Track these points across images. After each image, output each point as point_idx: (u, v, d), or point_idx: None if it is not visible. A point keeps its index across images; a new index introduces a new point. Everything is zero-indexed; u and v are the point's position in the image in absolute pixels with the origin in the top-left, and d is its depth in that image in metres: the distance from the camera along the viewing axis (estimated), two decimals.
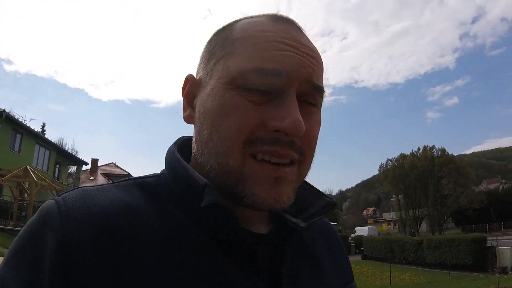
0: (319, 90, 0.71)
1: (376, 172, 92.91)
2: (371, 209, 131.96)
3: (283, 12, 0.86)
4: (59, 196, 0.66)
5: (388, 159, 73.90)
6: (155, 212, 0.68)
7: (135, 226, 0.64)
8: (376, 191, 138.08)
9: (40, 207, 0.65)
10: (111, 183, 0.73)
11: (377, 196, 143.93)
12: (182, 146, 0.82)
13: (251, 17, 0.76)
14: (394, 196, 75.77)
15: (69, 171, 43.44)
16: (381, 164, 77.12)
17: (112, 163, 53.60)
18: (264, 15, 0.75)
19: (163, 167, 0.79)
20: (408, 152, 72.21)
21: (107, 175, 46.95)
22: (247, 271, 0.68)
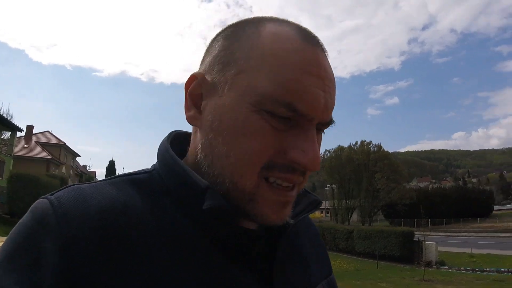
0: (331, 123, 0.73)
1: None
2: None
3: None
4: (52, 195, 0.65)
5: (326, 150, 75.22)
6: (151, 209, 0.68)
7: (132, 225, 0.64)
8: (312, 179, 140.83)
9: (32, 207, 0.64)
10: (103, 180, 0.72)
11: (312, 184, 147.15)
12: (172, 140, 0.80)
13: (278, 22, 0.72)
14: (328, 185, 77.99)
15: (2, 137, 40.71)
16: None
17: (47, 131, 52.01)
18: (291, 25, 0.71)
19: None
20: (346, 145, 74.26)
21: (41, 144, 45.70)
22: (241, 267, 0.69)
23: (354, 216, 72.93)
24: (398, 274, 20.09)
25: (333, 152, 73.99)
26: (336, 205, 70.93)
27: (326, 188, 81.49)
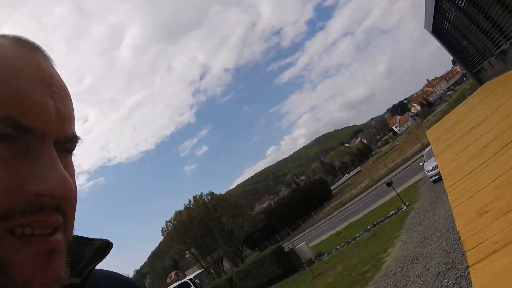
0: (75, 139, 0.59)
1: (161, 238, 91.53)
2: (173, 273, 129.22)
3: None
4: None
5: (166, 222, 73.29)
6: None
7: None
8: (169, 255, 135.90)
9: None
10: None
11: (172, 259, 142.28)
12: None
13: None
14: (187, 252, 75.86)
15: None
16: (162, 228, 75.93)
17: None
18: (5, 35, 0.57)
19: None
20: (181, 208, 73.05)
21: None
22: None
23: (226, 264, 72.13)
24: (293, 286, 19.71)
25: (174, 220, 72.28)
26: (203, 264, 69.28)
27: (186, 256, 79.38)
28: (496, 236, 2.01)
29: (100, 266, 0.70)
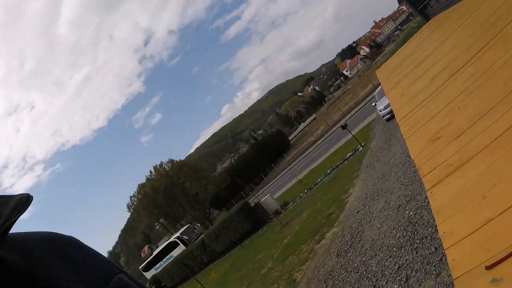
0: None
1: (128, 214, 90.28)
2: (146, 247, 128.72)
3: None
4: None
5: (130, 197, 72.27)
6: None
7: None
8: (140, 230, 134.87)
9: None
10: None
11: (143, 234, 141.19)
12: None
13: None
14: (156, 223, 75.48)
15: None
16: (128, 204, 75.02)
17: None
18: None
19: None
20: (143, 180, 72.07)
21: None
22: None
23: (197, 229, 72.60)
24: (263, 240, 20.03)
25: (138, 194, 71.30)
26: (174, 233, 69.42)
27: (157, 228, 78.87)
28: (450, 159, 2.06)
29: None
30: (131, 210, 75.27)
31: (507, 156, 1.65)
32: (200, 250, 28.28)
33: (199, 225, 45.15)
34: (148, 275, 37.82)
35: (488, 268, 1.18)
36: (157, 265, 38.00)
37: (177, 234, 38.29)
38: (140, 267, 41.06)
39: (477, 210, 1.49)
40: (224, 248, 26.60)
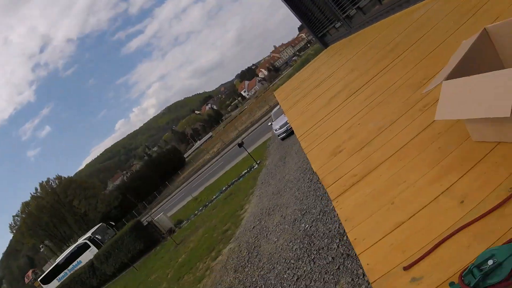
0: None
1: (11, 235, 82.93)
2: (30, 271, 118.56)
3: None
4: None
5: (13, 216, 66.83)
6: None
7: None
8: (23, 253, 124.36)
9: None
10: None
11: (27, 257, 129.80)
12: None
13: None
14: (41, 246, 70.35)
15: None
16: (10, 224, 69.06)
17: None
18: None
19: None
20: (28, 198, 66.95)
21: None
22: None
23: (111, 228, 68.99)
24: (156, 260, 19.45)
25: (21, 213, 66.03)
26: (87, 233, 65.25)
27: (41, 250, 73.33)
28: (354, 169, 2.07)
29: None
30: (14, 231, 69.46)
31: (412, 165, 1.69)
32: (89, 273, 26.49)
33: (113, 223, 39.93)
34: None
35: (406, 268, 1.18)
36: (60, 275, 32.08)
37: (88, 234, 32.73)
38: (39, 279, 34.85)
39: (386, 215, 1.50)
40: (115, 270, 25.26)
